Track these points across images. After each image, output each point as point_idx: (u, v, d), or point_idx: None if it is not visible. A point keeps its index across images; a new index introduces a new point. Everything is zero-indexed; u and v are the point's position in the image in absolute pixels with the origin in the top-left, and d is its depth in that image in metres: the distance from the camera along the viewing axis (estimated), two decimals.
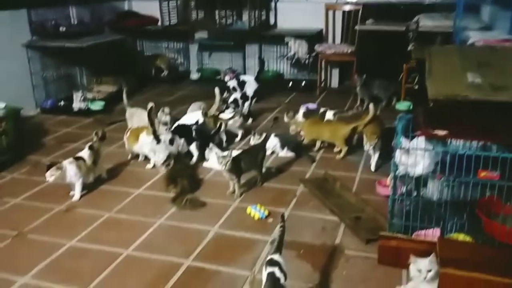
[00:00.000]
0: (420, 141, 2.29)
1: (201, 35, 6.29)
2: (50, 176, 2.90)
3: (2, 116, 3.68)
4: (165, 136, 3.51)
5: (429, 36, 4.66)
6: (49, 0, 4.95)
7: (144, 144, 3.49)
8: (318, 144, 3.89)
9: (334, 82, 6.15)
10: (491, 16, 4.83)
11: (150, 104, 3.51)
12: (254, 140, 3.78)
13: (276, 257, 1.79)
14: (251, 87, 4.86)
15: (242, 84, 4.92)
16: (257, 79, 5.00)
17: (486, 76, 2.80)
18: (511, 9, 4.00)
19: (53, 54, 5.04)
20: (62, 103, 5.04)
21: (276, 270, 1.72)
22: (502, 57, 3.28)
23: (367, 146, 3.42)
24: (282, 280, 1.72)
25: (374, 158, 3.45)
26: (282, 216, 1.88)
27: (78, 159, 3.08)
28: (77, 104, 4.91)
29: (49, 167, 2.90)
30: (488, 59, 3.21)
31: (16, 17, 4.70)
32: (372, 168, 3.45)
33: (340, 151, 3.71)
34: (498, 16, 4.48)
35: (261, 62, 6.18)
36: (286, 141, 3.82)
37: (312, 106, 4.79)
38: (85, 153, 3.15)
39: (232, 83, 4.94)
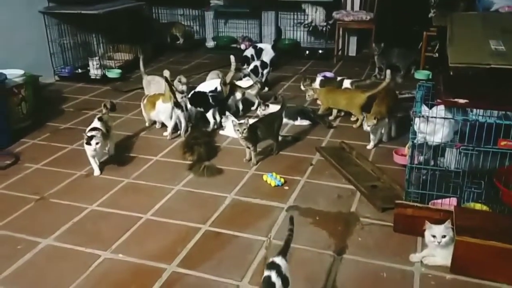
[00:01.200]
0: (439, 110, 2.26)
1: (217, 1, 6.21)
2: (95, 145, 2.88)
3: (21, 83, 3.71)
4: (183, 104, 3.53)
5: (451, 1, 4.52)
6: None
7: (161, 111, 3.51)
8: (334, 112, 3.87)
9: (352, 50, 6.05)
10: None
11: (167, 73, 3.52)
12: (260, 110, 3.78)
13: (277, 260, 1.64)
14: (268, 55, 4.80)
15: (259, 52, 4.86)
16: (274, 47, 4.92)
17: (510, 43, 2.72)
18: None
19: (69, 21, 5.03)
20: (79, 70, 5.08)
21: (273, 274, 1.58)
22: None
23: (365, 126, 3.17)
24: (278, 285, 1.57)
25: (371, 141, 3.31)
26: (291, 218, 1.80)
27: (97, 130, 2.99)
28: (94, 72, 4.94)
29: (89, 138, 2.88)
30: None
31: None
32: (370, 146, 3.30)
33: (357, 120, 3.69)
34: None
35: (278, 30, 6.07)
36: (301, 110, 3.81)
37: (329, 74, 4.74)
38: (96, 124, 3.07)
39: (250, 52, 4.89)
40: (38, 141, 3.56)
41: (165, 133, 3.58)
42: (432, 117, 2.20)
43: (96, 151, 2.93)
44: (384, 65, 4.81)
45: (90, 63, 4.93)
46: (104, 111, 3.25)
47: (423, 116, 2.21)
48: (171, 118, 3.50)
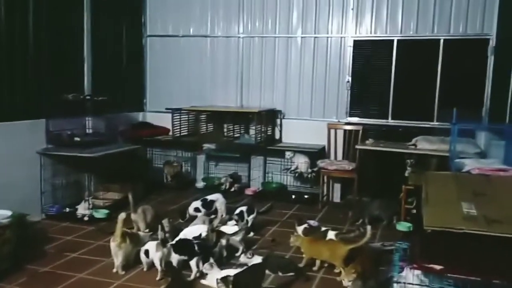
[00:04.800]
0: (417, 275, 2.30)
1: (209, 146, 6.57)
2: None
3: (6, 224, 3.73)
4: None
5: (426, 158, 4.84)
6: (68, 111, 5.27)
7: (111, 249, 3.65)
8: (317, 263, 3.86)
9: (336, 197, 6.24)
10: (486, 142, 5.05)
11: (122, 216, 3.67)
12: (244, 258, 3.78)
13: None
14: (221, 204, 4.92)
15: (209, 204, 4.88)
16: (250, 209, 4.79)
17: (481, 207, 2.87)
18: (504, 138, 4.21)
19: (65, 162, 5.24)
20: (67, 209, 5.13)
21: None
22: (496, 187, 3.37)
23: (345, 281, 3.14)
24: None
25: None
26: None
27: None
28: (81, 211, 5.00)
29: None
30: (483, 189, 3.29)
31: (35, 126, 4.97)
32: None
33: (341, 272, 3.67)
34: (493, 144, 4.68)
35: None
36: (284, 263, 3.80)
37: (313, 223, 4.82)
38: None
39: (196, 204, 4.84)
40: (14, 286, 3.46)
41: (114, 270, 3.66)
42: (408, 283, 2.23)
43: None
44: (365, 217, 4.94)
45: (82, 203, 5.02)
46: None
47: (399, 282, 2.24)
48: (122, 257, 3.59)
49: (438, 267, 2.23)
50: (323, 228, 4.30)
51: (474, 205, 2.91)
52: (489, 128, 4.92)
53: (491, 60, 5.46)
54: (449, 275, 2.37)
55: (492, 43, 5.45)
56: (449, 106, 4.84)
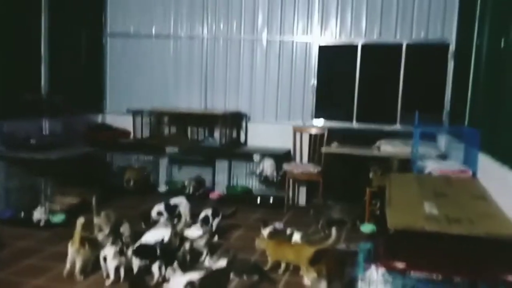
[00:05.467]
0: (381, 273, 2.30)
1: (172, 149, 6.44)
2: None
3: None
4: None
5: (389, 161, 4.91)
6: (23, 112, 5.04)
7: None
8: (283, 265, 3.82)
9: (302, 200, 6.25)
10: (446, 145, 5.18)
11: (80, 220, 3.59)
12: (208, 262, 3.71)
13: None
14: (184, 208, 4.83)
15: (173, 208, 4.78)
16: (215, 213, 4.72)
17: (442, 207, 2.93)
18: (463, 140, 4.32)
19: (20, 165, 5.01)
20: (22, 214, 4.89)
21: None
22: (456, 188, 3.46)
23: (306, 280, 3.09)
24: None
25: None
26: None
27: None
28: (37, 216, 4.78)
29: None
30: (444, 190, 3.38)
31: None
32: None
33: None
34: (453, 146, 4.81)
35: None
36: (250, 267, 3.74)
37: (278, 225, 4.79)
38: None
39: (159, 208, 4.73)
40: None
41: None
42: (372, 281, 2.22)
43: None
44: (326, 220, 4.96)
45: (38, 208, 4.80)
46: None
47: (364, 280, 2.22)
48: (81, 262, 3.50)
49: (401, 264, 2.23)
50: (289, 231, 4.27)
51: (435, 205, 2.96)
52: (449, 130, 5.04)
53: (451, 65, 5.62)
54: (412, 272, 2.39)
55: (452, 48, 5.60)
56: (412, 109, 4.96)
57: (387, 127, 5.84)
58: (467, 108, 4.49)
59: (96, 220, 4.18)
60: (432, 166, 4.00)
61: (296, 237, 4.10)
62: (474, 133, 3.85)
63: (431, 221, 2.66)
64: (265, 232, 4.22)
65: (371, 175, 4.82)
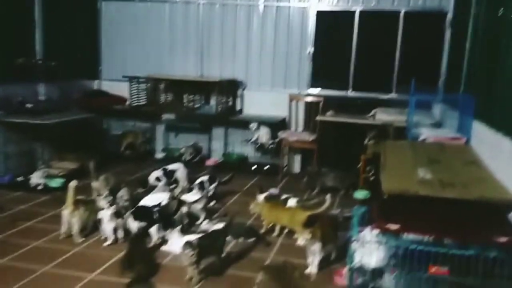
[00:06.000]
0: (374, 234, 2.37)
1: (169, 116, 6.45)
2: None
3: None
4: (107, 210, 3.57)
5: (384, 129, 4.95)
6: (19, 76, 4.99)
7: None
8: (277, 228, 3.91)
9: (296, 167, 6.32)
10: (441, 113, 5.22)
11: (73, 183, 3.64)
12: (205, 225, 3.78)
13: None
14: (181, 174, 4.88)
15: (170, 174, 4.81)
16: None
17: (436, 172, 2.99)
18: (458, 109, 4.36)
19: (16, 130, 5.01)
20: (20, 178, 4.93)
21: None
22: (450, 154, 3.52)
23: (300, 239, 3.13)
24: None
25: (314, 261, 3.21)
26: None
27: None
28: (35, 180, 4.82)
29: None
30: (438, 156, 3.44)
31: None
32: (309, 270, 3.22)
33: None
34: (448, 114, 4.85)
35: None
36: (246, 229, 3.84)
37: (274, 191, 4.87)
38: None
39: (156, 173, 4.74)
40: None
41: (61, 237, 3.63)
42: (366, 241, 2.29)
43: None
44: (320, 188, 5.05)
45: (36, 172, 4.83)
46: None
47: (357, 241, 2.30)
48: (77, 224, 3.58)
49: (395, 226, 2.30)
50: (284, 196, 4.35)
51: (429, 171, 3.02)
52: (445, 98, 5.07)
53: (448, 33, 5.61)
54: (405, 234, 2.46)
55: (449, 16, 5.58)
56: (408, 78, 4.96)
57: (383, 96, 5.87)
58: (463, 76, 4.52)
59: (94, 184, 4.25)
60: (426, 134, 4.06)
61: (292, 202, 4.18)
62: (469, 100, 3.89)
63: (425, 185, 2.73)
64: (261, 197, 4.30)
65: (366, 141, 4.86)
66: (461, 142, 3.88)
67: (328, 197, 3.69)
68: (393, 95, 5.86)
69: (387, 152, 3.60)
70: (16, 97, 5.02)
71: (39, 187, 4.79)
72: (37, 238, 3.64)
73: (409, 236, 2.48)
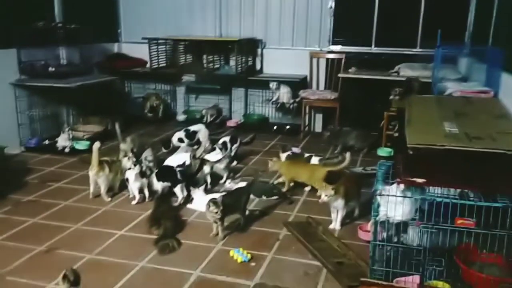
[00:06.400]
0: (399, 188, 2.35)
1: (189, 78, 6.43)
2: None
3: None
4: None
5: (409, 84, 4.84)
6: (39, 40, 5.02)
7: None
8: (290, 184, 3.93)
9: (318, 127, 6.27)
10: (468, 67, 5.07)
11: (97, 144, 3.70)
12: (229, 184, 3.82)
13: None
14: (203, 134, 4.91)
15: (193, 134, 4.88)
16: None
17: (462, 125, 2.93)
18: (486, 62, 4.22)
19: (40, 93, 5.09)
20: (47, 141, 5.05)
21: None
22: (477, 108, 3.43)
23: (323, 196, 3.11)
24: None
25: (337, 217, 3.26)
26: None
27: None
28: (61, 143, 4.92)
29: None
30: (465, 110, 3.36)
31: (6, 57, 4.76)
32: (333, 226, 3.26)
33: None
34: (474, 68, 4.70)
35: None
36: (268, 188, 3.88)
37: (296, 149, 4.86)
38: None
39: (179, 134, 4.84)
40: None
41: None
42: (391, 195, 2.28)
43: None
44: (340, 146, 5.01)
45: (61, 135, 4.93)
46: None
47: (382, 195, 2.29)
48: (103, 184, 3.69)
49: (420, 180, 2.27)
50: (307, 154, 4.35)
51: (456, 124, 2.96)
52: (472, 51, 4.90)
53: None
54: (430, 188, 2.44)
55: None
56: (433, 31, 4.80)
57: (407, 51, 5.70)
58: (491, 28, 4.34)
59: (121, 145, 4.36)
60: (452, 88, 3.95)
61: (314, 160, 4.18)
62: (498, 53, 3.75)
63: (451, 138, 2.68)
64: (284, 156, 4.31)
65: (391, 96, 4.77)
66: (489, 95, 3.77)
67: (348, 154, 3.66)
68: (417, 50, 5.69)
69: (412, 107, 3.53)
70: (39, 61, 5.06)
71: (66, 150, 4.89)
72: (67, 198, 3.76)
73: (435, 190, 2.46)
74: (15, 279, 2.59)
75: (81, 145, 4.96)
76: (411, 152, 2.78)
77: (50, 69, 5.04)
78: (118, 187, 3.86)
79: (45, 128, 5.23)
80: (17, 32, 4.79)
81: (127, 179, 3.66)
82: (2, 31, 4.69)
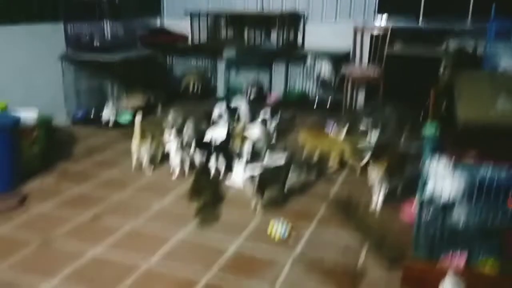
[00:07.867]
0: (448, 165, 2.25)
1: (230, 53, 6.39)
2: None
3: (34, 125, 3.78)
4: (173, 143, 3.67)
5: (459, 60, 4.61)
6: (85, 15, 5.10)
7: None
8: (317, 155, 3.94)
9: (360, 103, 6.12)
10: None
11: (139, 117, 3.76)
12: (268, 160, 3.80)
13: None
14: (243, 110, 4.87)
15: (233, 110, 4.85)
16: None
17: None
18: None
19: (86, 67, 5.20)
20: (92, 114, 5.18)
21: None
22: None
23: (371, 175, 3.07)
24: None
25: (379, 196, 3.17)
26: None
27: None
28: (106, 116, 5.03)
29: None
30: None
31: (53, 30, 4.88)
32: (374, 204, 3.19)
33: (360, 170, 3.73)
34: None
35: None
36: (304, 164, 3.84)
37: (334, 126, 4.76)
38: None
39: (219, 109, 4.75)
40: (46, 182, 3.58)
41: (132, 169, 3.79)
42: (440, 172, 2.19)
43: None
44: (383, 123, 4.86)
45: (105, 108, 5.04)
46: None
47: (430, 171, 2.20)
48: (146, 156, 3.76)
49: (471, 155, 2.17)
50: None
51: (510, 101, 2.80)
52: None
53: None
54: (481, 165, 2.33)
55: None
56: (485, 4, 4.52)
57: (457, 26, 5.42)
58: None
59: (165, 118, 4.43)
60: (507, 63, 3.73)
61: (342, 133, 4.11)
62: None
63: (506, 115, 2.54)
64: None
65: (440, 72, 4.56)
66: None
67: (376, 131, 3.60)
68: (467, 24, 5.39)
69: (463, 83, 3.35)
70: (84, 35, 5.15)
71: (110, 123, 5.00)
72: (111, 168, 3.87)
73: (486, 168, 2.34)
74: (61, 245, 2.69)
75: (124, 119, 5.06)
76: (461, 128, 2.66)
77: (95, 42, 5.13)
78: (160, 160, 3.91)
79: (90, 101, 5.36)
80: (63, 6, 4.88)
81: (168, 152, 3.70)
82: (50, 5, 4.79)
